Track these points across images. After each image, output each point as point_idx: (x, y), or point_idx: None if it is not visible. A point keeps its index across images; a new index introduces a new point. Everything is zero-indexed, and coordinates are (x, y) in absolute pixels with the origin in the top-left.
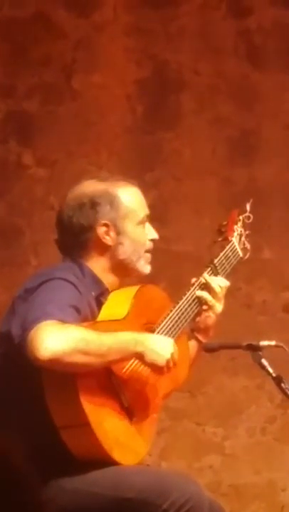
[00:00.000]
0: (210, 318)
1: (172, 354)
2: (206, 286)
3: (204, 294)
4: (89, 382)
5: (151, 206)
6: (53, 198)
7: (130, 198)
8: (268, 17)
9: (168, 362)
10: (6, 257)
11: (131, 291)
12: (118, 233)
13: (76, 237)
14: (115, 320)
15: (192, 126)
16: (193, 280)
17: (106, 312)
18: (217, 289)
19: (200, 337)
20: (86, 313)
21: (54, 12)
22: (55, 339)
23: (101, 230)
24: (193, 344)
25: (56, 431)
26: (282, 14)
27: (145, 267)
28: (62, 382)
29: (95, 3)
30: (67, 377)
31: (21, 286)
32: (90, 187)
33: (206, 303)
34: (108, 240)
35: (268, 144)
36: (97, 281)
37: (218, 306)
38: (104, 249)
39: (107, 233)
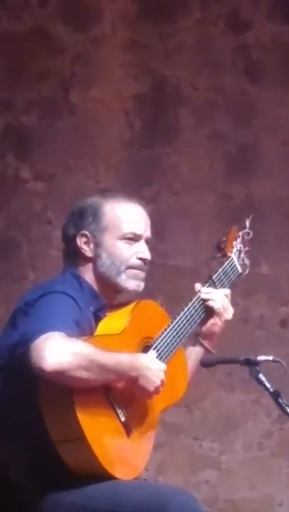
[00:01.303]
0: (216, 325)
1: (162, 381)
2: (212, 296)
3: (214, 304)
4: (85, 396)
5: None
6: (50, 212)
7: (117, 212)
8: (266, 32)
9: (156, 389)
10: (4, 271)
11: (128, 306)
12: (96, 245)
13: (67, 246)
14: (112, 334)
15: (190, 141)
16: (198, 287)
17: (103, 327)
18: (221, 295)
19: (205, 343)
20: (85, 328)
21: (52, 27)
22: (63, 351)
23: (80, 240)
24: (198, 350)
25: (53, 445)
26: (280, 30)
27: (128, 283)
28: (58, 396)
29: (93, 18)
30: (64, 392)
31: (20, 300)
32: (87, 199)
33: (217, 310)
34: (87, 251)
35: (266, 159)
36: (95, 295)
37: (229, 313)
38: (86, 260)
39: (86, 244)
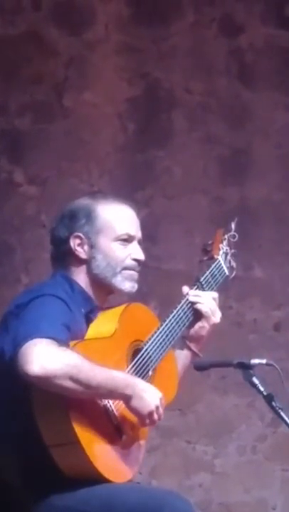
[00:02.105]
0: (204, 328)
1: (157, 407)
2: (200, 299)
3: (202, 307)
4: (78, 400)
5: (142, 224)
6: (44, 216)
7: (110, 214)
8: (260, 36)
9: (151, 413)
10: None
11: (117, 309)
12: (91, 247)
13: (57, 248)
14: (103, 338)
15: (183, 144)
16: (186, 290)
17: (93, 330)
18: (209, 299)
19: (192, 346)
20: (76, 331)
21: (46, 30)
22: (50, 358)
23: (74, 242)
24: (185, 353)
25: (47, 449)
26: (274, 33)
27: (124, 284)
28: (51, 400)
29: (87, 22)
30: (57, 395)
31: (11, 303)
32: (76, 201)
33: (205, 314)
34: (81, 253)
35: (259, 162)
36: (87, 297)
37: (217, 317)
38: (80, 262)
39: (80, 246)
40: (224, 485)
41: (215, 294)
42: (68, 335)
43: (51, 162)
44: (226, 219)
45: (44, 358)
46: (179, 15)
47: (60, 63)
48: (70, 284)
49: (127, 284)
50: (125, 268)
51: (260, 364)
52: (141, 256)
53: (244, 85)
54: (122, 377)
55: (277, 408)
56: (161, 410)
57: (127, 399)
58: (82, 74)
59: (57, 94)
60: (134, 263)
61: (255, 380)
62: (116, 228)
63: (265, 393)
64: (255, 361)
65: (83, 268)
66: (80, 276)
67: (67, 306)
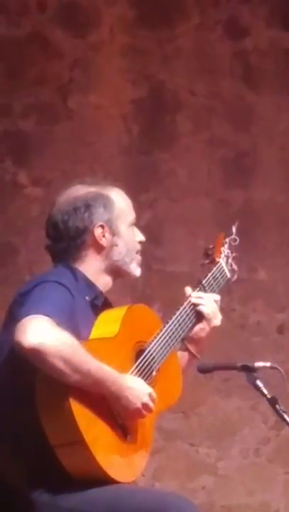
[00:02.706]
0: (204, 330)
1: (144, 404)
2: (202, 301)
3: (204, 309)
4: (82, 398)
5: (146, 226)
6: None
7: (121, 199)
8: (264, 38)
9: (137, 410)
10: (1, 276)
11: (121, 310)
12: (113, 234)
13: (72, 240)
14: (106, 338)
15: (188, 146)
16: (189, 291)
17: (97, 331)
18: (211, 301)
19: (191, 348)
20: (76, 318)
21: (51, 32)
22: (47, 334)
23: (98, 232)
24: (183, 355)
25: (51, 449)
26: (278, 36)
27: (136, 270)
28: (55, 399)
29: (92, 24)
30: (61, 394)
31: (16, 293)
32: (81, 191)
33: (206, 316)
34: (104, 242)
35: (264, 165)
36: (90, 285)
37: (218, 319)
38: (99, 250)
39: (103, 235)
40: (227, 487)
41: (217, 297)
42: (66, 321)
43: (55, 163)
44: (229, 221)
45: (41, 332)
46: (183, 17)
47: (64, 65)
48: (73, 273)
49: (138, 269)
50: (137, 252)
51: (263, 367)
52: (142, 237)
53: (249, 87)
54: (110, 372)
55: (280, 411)
56: (150, 405)
57: (113, 396)
58: (87, 76)
59: (61, 96)
60: (140, 246)
61: (259, 383)
62: (128, 213)
63: (268, 396)
64: (258, 364)
65: (102, 256)
66: (94, 265)
67: (69, 292)
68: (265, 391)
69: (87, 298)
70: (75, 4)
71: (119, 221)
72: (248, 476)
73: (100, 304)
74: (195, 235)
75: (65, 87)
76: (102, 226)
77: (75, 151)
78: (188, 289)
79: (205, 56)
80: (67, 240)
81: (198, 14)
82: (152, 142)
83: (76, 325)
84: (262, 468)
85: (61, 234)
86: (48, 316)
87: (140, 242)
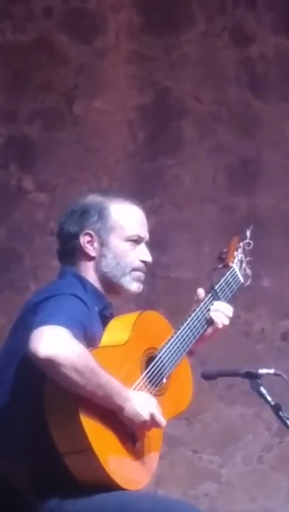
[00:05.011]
0: (209, 333)
1: (152, 415)
2: (216, 311)
3: (221, 319)
4: (91, 406)
5: (151, 233)
6: (53, 223)
7: (122, 213)
8: (270, 46)
9: (144, 423)
10: (6, 282)
11: (131, 317)
12: (102, 245)
13: (65, 243)
14: (117, 345)
15: (193, 153)
16: (202, 292)
17: (107, 338)
18: (229, 315)
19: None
20: (93, 329)
21: (56, 38)
22: (62, 344)
23: (84, 239)
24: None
25: (60, 457)
26: (284, 43)
27: (132, 285)
28: (64, 406)
29: (98, 30)
30: (69, 402)
31: (28, 302)
32: (88, 197)
33: (217, 325)
34: (91, 250)
35: (269, 172)
36: (99, 295)
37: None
38: (89, 259)
39: (90, 243)
40: (230, 494)
41: (231, 309)
42: (82, 333)
43: (61, 169)
44: (234, 228)
45: (57, 343)
46: (189, 24)
47: (70, 71)
48: (82, 283)
49: (134, 284)
50: (134, 269)
51: (267, 374)
52: (149, 258)
53: (254, 95)
54: (118, 386)
55: (284, 418)
56: (157, 418)
57: (120, 409)
58: (93, 82)
59: (67, 102)
60: (142, 264)
61: (263, 390)
62: (127, 228)
63: (272, 403)
64: (262, 371)
65: (91, 265)
66: (89, 274)
67: (85, 305)
68: (268, 398)
69: (96, 308)
70: (81, 10)
71: (111, 233)
72: (251, 483)
73: (108, 314)
74: (199, 242)
75: (70, 92)
76: (89, 234)
77: (80, 156)
78: (201, 291)
79: (211, 63)
80: (62, 243)
81: (204, 21)
82: (157, 148)
83: (93, 336)
84: (265, 476)
85: (59, 235)
86: (64, 327)
87: (144, 262)
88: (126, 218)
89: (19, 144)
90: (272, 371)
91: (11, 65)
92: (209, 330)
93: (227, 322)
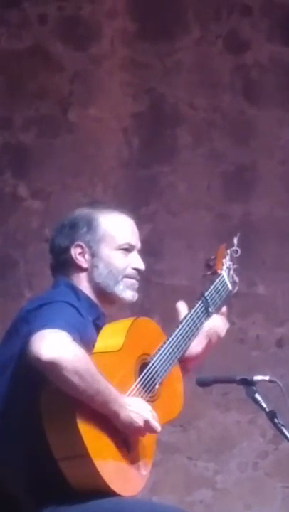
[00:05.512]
0: (202, 347)
1: (146, 421)
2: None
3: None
4: (87, 412)
5: (145, 240)
6: (47, 230)
7: (111, 223)
8: (265, 53)
9: (139, 429)
10: (0, 289)
11: (125, 323)
12: (93, 256)
13: (57, 258)
14: (111, 352)
15: (188, 160)
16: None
17: (101, 344)
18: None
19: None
20: (87, 337)
21: (51, 45)
22: (65, 347)
23: (75, 251)
24: None
25: (55, 462)
26: (279, 50)
27: (126, 293)
28: (60, 412)
29: (93, 37)
30: (66, 408)
31: (21, 309)
32: (77, 211)
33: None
34: (82, 262)
35: (263, 179)
36: (93, 305)
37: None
38: (81, 271)
39: (81, 255)
40: (225, 501)
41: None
42: (78, 338)
43: (55, 176)
44: (229, 235)
45: (60, 346)
46: (184, 31)
47: (65, 78)
48: (76, 293)
49: (128, 292)
50: (126, 276)
51: (262, 380)
52: (141, 265)
53: (249, 102)
54: (114, 393)
55: (279, 425)
56: (152, 424)
57: (115, 416)
58: (88, 89)
59: (62, 109)
60: (134, 272)
61: (258, 397)
62: (117, 237)
63: (267, 410)
64: (258, 378)
65: (84, 276)
66: (83, 285)
67: (78, 312)
68: (263, 405)
69: (90, 318)
70: (75, 17)
71: (101, 243)
72: (246, 490)
73: (101, 324)
74: (194, 249)
75: (65, 100)
76: (80, 246)
77: (75, 163)
78: (182, 306)
79: (205, 70)
80: (54, 258)
81: (199, 28)
82: (152, 155)
83: (88, 343)
84: (260, 482)
85: (51, 251)
86: (64, 330)
87: (136, 269)
88: (115, 227)
89: (14, 151)
90: (267, 378)
91: (5, 72)
92: (203, 343)
93: (222, 335)
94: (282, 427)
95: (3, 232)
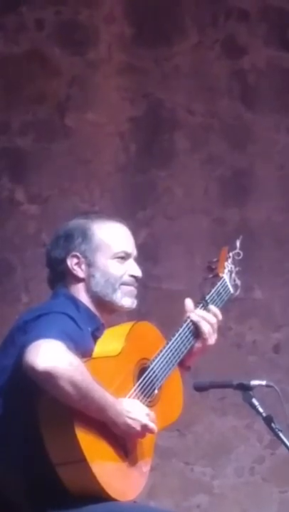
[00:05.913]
0: (198, 348)
1: (144, 426)
2: (202, 320)
3: (204, 327)
4: (85, 417)
5: (143, 244)
6: (44, 235)
7: (106, 232)
8: (262, 58)
9: (138, 434)
10: None
11: (125, 327)
12: (89, 265)
13: (54, 270)
14: (110, 356)
15: (185, 165)
16: (189, 303)
17: (100, 349)
18: (212, 320)
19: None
20: (84, 348)
21: (49, 49)
22: (60, 357)
23: (71, 262)
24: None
25: (53, 467)
26: (276, 55)
27: (124, 300)
28: (58, 418)
29: (90, 42)
30: (64, 413)
31: (19, 319)
32: (71, 221)
33: (203, 335)
34: (79, 272)
35: (260, 184)
36: (92, 316)
37: (212, 339)
38: (78, 281)
39: (77, 265)
40: (222, 506)
41: (219, 314)
42: (73, 348)
43: (52, 181)
44: (226, 240)
45: (55, 356)
46: (181, 36)
47: (62, 83)
48: (75, 304)
49: (126, 299)
50: (124, 283)
51: (259, 385)
52: (138, 272)
53: (246, 106)
54: (111, 401)
55: (276, 430)
56: (150, 426)
57: (113, 422)
58: (85, 93)
59: (59, 114)
60: (132, 279)
61: (255, 402)
62: (113, 246)
63: (264, 414)
64: (254, 382)
65: (82, 286)
66: (81, 295)
67: (76, 324)
68: (260, 409)
69: (89, 329)
70: (73, 22)
71: (97, 253)
72: (243, 495)
73: (100, 335)
74: (191, 253)
75: (62, 104)
76: (76, 256)
77: (72, 168)
78: (189, 302)
79: (203, 75)
80: (51, 269)
81: (196, 33)
82: (149, 160)
83: (84, 354)
84: (257, 487)
85: (48, 263)
86: (59, 340)
87: (133, 277)
88: (110, 236)
89: (11, 156)
90: (264, 383)
91: (2, 77)
92: (197, 344)
93: (212, 330)
94: (279, 432)
95: (0, 236)
